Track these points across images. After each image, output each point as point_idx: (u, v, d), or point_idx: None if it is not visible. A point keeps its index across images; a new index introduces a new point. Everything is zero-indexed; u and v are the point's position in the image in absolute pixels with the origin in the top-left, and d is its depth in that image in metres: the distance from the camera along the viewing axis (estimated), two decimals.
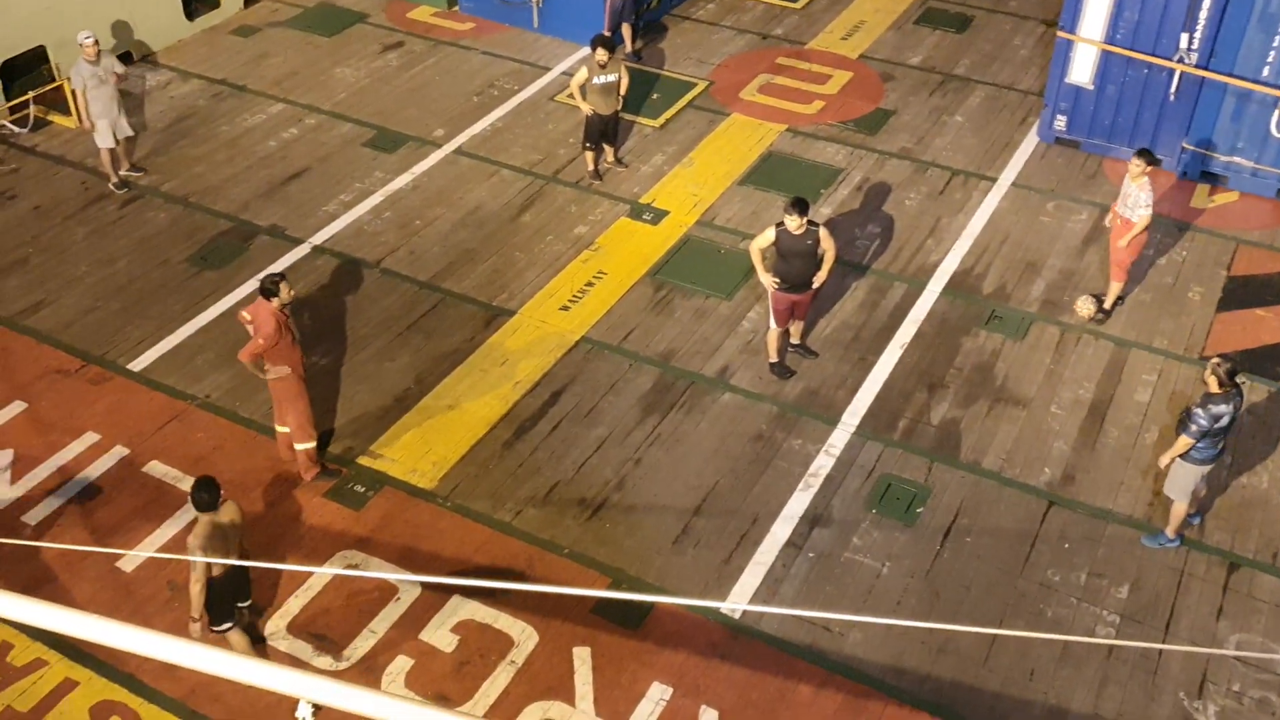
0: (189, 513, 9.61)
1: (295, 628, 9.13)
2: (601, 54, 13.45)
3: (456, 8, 18.34)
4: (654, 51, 17.24)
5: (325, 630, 9.10)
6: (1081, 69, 14.29)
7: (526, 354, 11.72)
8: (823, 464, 10.51)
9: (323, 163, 14.71)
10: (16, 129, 15.19)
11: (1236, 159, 13.82)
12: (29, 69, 15.56)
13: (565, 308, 12.32)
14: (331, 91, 16.21)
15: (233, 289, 12.56)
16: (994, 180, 14.31)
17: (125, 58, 16.38)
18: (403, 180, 14.36)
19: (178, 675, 8.48)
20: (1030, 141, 15.02)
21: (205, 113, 15.75)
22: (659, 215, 13.71)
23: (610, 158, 14.51)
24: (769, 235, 10.77)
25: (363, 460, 10.57)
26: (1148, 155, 11.23)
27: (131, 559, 9.60)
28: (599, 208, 13.88)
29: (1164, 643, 8.94)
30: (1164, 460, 9.43)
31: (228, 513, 8.26)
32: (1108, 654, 8.91)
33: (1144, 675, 8.78)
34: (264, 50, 17.29)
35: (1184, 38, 13.42)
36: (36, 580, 9.39)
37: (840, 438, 10.77)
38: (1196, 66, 13.48)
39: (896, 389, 11.30)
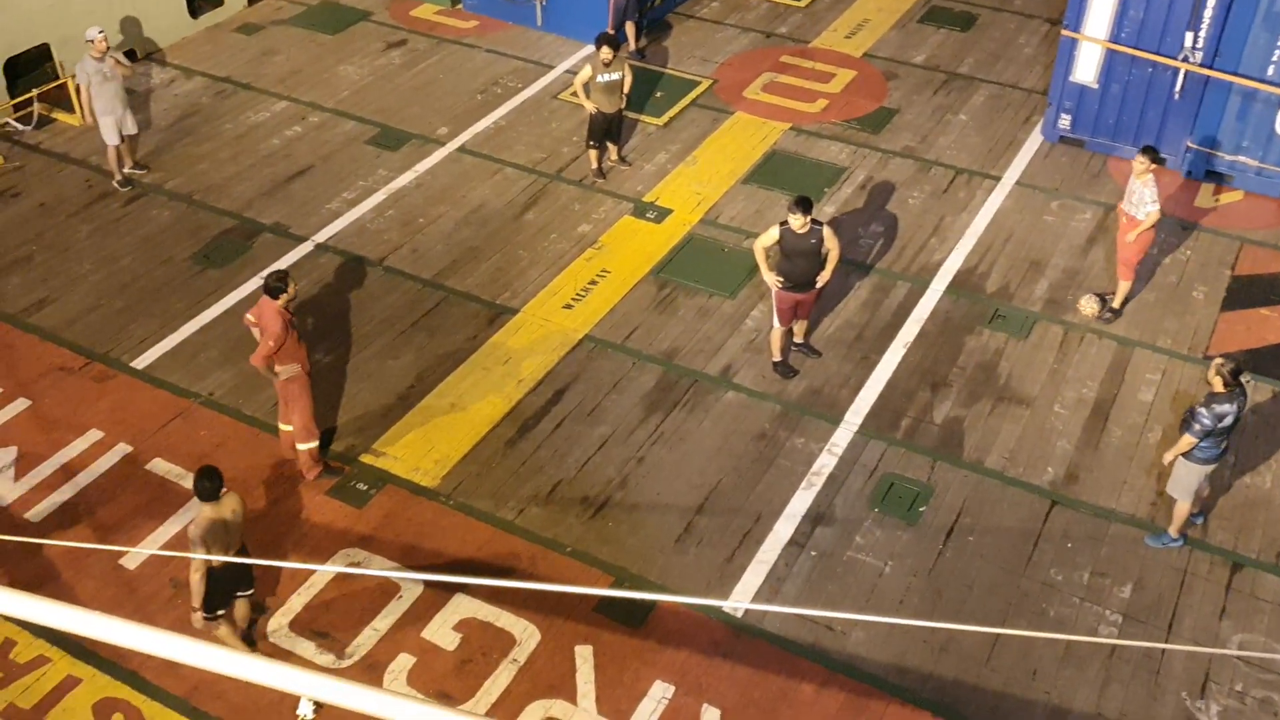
0: (191, 510, 9.64)
1: (297, 625, 9.14)
2: (606, 52, 13.44)
3: (460, 6, 18.34)
4: (658, 50, 17.23)
5: (327, 628, 9.11)
6: (1086, 68, 14.27)
7: (529, 352, 11.72)
8: (825, 463, 10.50)
9: (326, 161, 14.71)
10: (21, 126, 15.20)
11: (1241, 158, 13.80)
12: (33, 66, 15.57)
13: (568, 306, 12.32)
14: (335, 89, 16.22)
15: (236, 287, 12.57)
16: (998, 179, 14.30)
17: (129, 55, 16.40)
18: (406, 178, 14.36)
19: (180, 673, 8.49)
20: (1034, 140, 15.01)
21: (209, 110, 15.76)
22: (662, 214, 13.71)
23: (614, 156, 14.50)
24: (773, 234, 10.76)
25: (365, 458, 10.58)
26: (1152, 152, 11.22)
27: (134, 556, 9.61)
28: (602, 206, 13.88)
29: (1167, 643, 8.93)
30: (1167, 457, 9.43)
31: (229, 504, 8.27)
32: (1110, 654, 8.90)
33: (1147, 675, 8.77)
34: (267, 48, 17.30)
35: (1189, 36, 13.40)
36: (39, 578, 9.40)
37: (843, 437, 10.76)
38: (1201, 65, 13.46)
39: (899, 388, 11.29)
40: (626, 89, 13.85)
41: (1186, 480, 9.34)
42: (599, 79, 13.58)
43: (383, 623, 9.13)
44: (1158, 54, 13.68)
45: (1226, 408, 8.91)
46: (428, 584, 9.32)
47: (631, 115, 15.16)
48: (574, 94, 14.87)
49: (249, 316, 9.92)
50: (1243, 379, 9.11)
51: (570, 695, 8.63)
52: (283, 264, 12.66)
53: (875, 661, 8.86)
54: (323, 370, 11.34)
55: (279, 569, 9.40)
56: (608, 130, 14.09)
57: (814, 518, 9.99)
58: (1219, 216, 13.59)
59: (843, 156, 14.76)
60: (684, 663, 8.85)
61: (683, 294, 12.50)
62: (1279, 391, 11.18)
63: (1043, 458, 10.55)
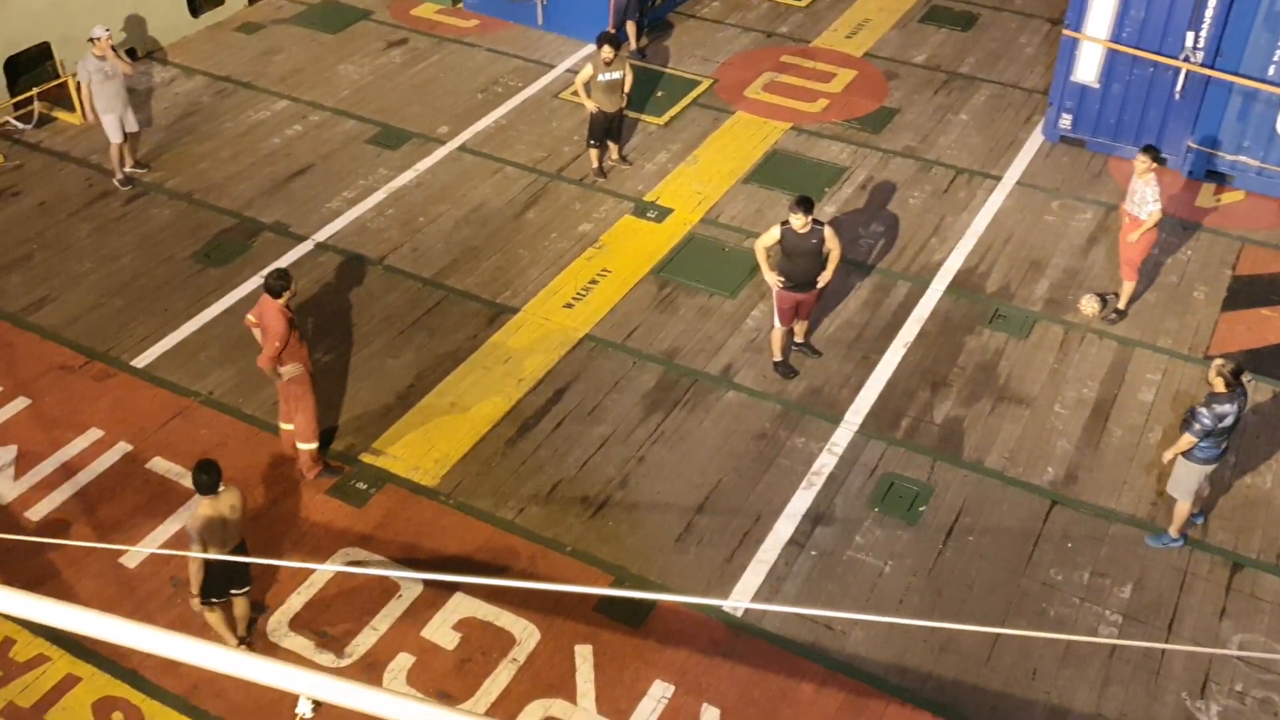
0: (192, 508, 9.62)
1: (297, 624, 9.14)
2: (607, 51, 13.43)
3: (461, 5, 18.34)
4: (659, 49, 17.23)
5: (327, 627, 9.11)
6: (1087, 67, 14.26)
7: (530, 351, 11.72)
8: (825, 462, 10.50)
9: (326, 160, 14.71)
10: (21, 125, 15.20)
11: (1242, 158, 13.79)
12: (34, 65, 15.57)
13: (569, 305, 12.31)
14: (335, 88, 16.21)
15: (236, 286, 12.57)
16: (998, 179, 14.30)
17: (130, 54, 16.40)
18: (406, 177, 14.36)
19: (180, 671, 8.49)
20: (1035, 140, 15.00)
21: (209, 109, 15.76)
22: (663, 213, 13.71)
23: (615, 155, 14.50)
24: (774, 234, 10.76)
25: (365, 458, 10.57)
26: (1153, 151, 11.21)
27: (134, 555, 9.61)
28: (603, 205, 13.87)
29: (1167, 643, 8.93)
30: (1166, 456, 9.43)
31: (228, 499, 8.28)
32: (1110, 654, 8.90)
33: (1146, 675, 8.77)
34: (268, 47, 17.29)
35: (1189, 36, 13.39)
36: (39, 576, 9.40)
37: (843, 436, 10.76)
38: (1202, 65, 13.46)
39: (900, 388, 11.29)
40: (627, 88, 13.84)
41: (1186, 480, 9.34)
42: (600, 78, 13.58)
43: (382, 622, 9.13)
44: (1159, 54, 13.67)
45: (1227, 408, 8.91)
46: (427, 583, 9.31)
47: (632, 114, 15.16)
48: (575, 93, 14.87)
49: (250, 317, 9.92)
50: (1243, 379, 9.10)
51: (570, 695, 8.62)
52: (283, 263, 12.66)
53: (875, 661, 8.86)
54: (323, 369, 11.33)
55: (279, 567, 9.39)
56: (608, 129, 14.08)
57: (814, 517, 9.99)
58: (1220, 216, 13.58)
59: (843, 156, 14.75)
60: (684, 662, 8.84)
61: (683, 293, 12.50)
62: (1279, 391, 11.18)
63: (1043, 458, 10.55)
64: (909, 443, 10.70)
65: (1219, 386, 8.94)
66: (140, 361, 11.62)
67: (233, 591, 8.67)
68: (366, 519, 9.97)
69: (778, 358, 11.40)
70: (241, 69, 16.70)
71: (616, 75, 13.61)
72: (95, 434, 10.79)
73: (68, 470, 10.43)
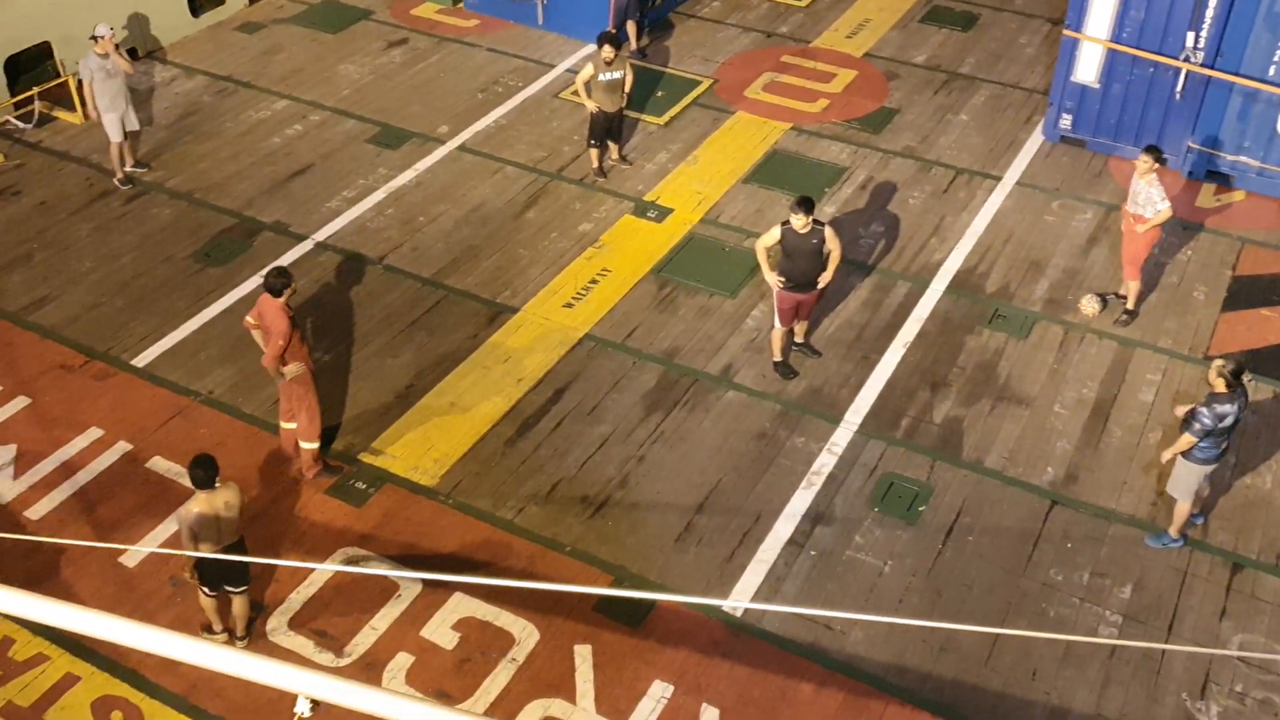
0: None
1: (296, 624, 9.14)
2: (608, 51, 13.43)
3: (461, 4, 18.34)
4: (659, 49, 17.23)
5: (326, 627, 9.11)
6: (1087, 68, 14.26)
7: (529, 351, 11.71)
8: (825, 462, 10.50)
9: (326, 159, 14.71)
10: (21, 124, 15.19)
11: (1242, 158, 13.79)
12: (34, 64, 15.57)
13: (569, 305, 12.31)
14: (336, 88, 16.21)
15: (236, 285, 12.57)
16: (998, 179, 14.29)
17: (131, 53, 16.40)
18: (406, 177, 14.36)
19: (179, 671, 8.49)
20: (1035, 140, 15.00)
21: (210, 109, 15.76)
22: (663, 213, 13.71)
23: (615, 155, 14.49)
24: (774, 234, 10.75)
25: (364, 457, 10.57)
26: (1155, 152, 11.20)
27: (133, 554, 9.60)
28: (603, 205, 13.87)
29: (1167, 643, 8.92)
30: (1165, 455, 9.43)
31: (224, 496, 8.28)
32: (1110, 654, 8.90)
33: (1146, 676, 8.77)
34: (269, 47, 17.29)
35: (1190, 36, 13.39)
36: (39, 576, 9.40)
37: (843, 436, 10.76)
38: (1202, 65, 13.45)
39: (899, 388, 11.28)
40: (628, 88, 13.84)
41: (1186, 480, 9.33)
42: (600, 78, 13.58)
43: (381, 621, 9.13)
44: (1159, 54, 13.67)
45: (1227, 408, 8.91)
46: (427, 583, 9.31)
47: (632, 114, 15.16)
48: (575, 93, 14.87)
49: (249, 319, 9.91)
50: (1244, 378, 9.10)
51: (569, 694, 8.62)
52: (283, 262, 12.65)
53: (874, 661, 8.85)
54: (322, 369, 11.32)
55: (278, 567, 9.39)
56: (609, 129, 14.08)
57: (814, 517, 9.99)
58: (1220, 217, 13.58)
59: (843, 156, 14.75)
60: (683, 662, 8.84)
61: (683, 293, 12.49)
62: (1279, 392, 11.18)
63: (1042, 458, 10.55)
64: (909, 443, 10.70)
65: (1219, 387, 8.94)
66: (140, 361, 11.62)
67: (229, 589, 8.68)
68: (366, 519, 9.97)
69: (778, 358, 11.40)
70: (242, 69, 16.70)
71: (617, 75, 13.61)
72: (95, 433, 10.79)
73: (67, 469, 10.43)
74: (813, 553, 9.70)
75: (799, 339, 11.63)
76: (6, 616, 8.64)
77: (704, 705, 8.56)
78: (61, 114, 15.44)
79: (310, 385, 10.00)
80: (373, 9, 18.27)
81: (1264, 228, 13.40)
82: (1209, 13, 13.18)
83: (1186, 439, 9.07)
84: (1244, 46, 13.13)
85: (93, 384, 11.34)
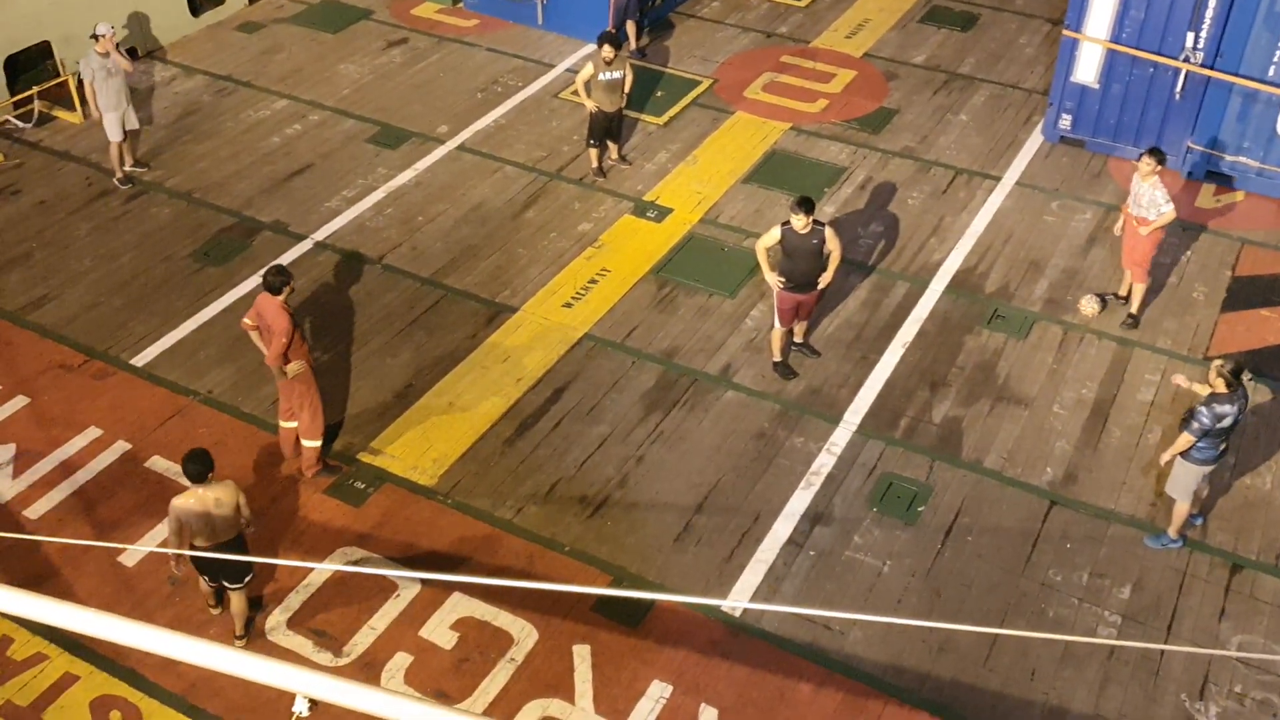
0: None
1: (295, 623, 9.14)
2: (608, 50, 13.43)
3: (461, 4, 18.34)
4: (658, 49, 17.22)
5: (325, 626, 9.11)
6: (1087, 68, 14.26)
7: (528, 351, 11.71)
8: (824, 462, 10.50)
9: (326, 159, 14.71)
10: (21, 124, 15.19)
11: (1242, 159, 13.79)
12: (34, 64, 15.57)
13: (568, 305, 12.31)
14: (335, 88, 16.21)
15: (236, 285, 12.56)
16: (998, 179, 14.29)
17: (130, 53, 16.38)
18: (405, 176, 14.36)
19: (178, 670, 8.50)
20: (1035, 140, 15.00)
21: (209, 108, 15.76)
22: (663, 213, 13.70)
23: (614, 155, 14.49)
24: (774, 234, 10.75)
25: (363, 457, 10.57)
26: (1158, 154, 11.19)
27: (132, 554, 9.60)
28: (602, 205, 13.87)
29: (1166, 644, 8.93)
30: (1164, 457, 9.43)
31: (216, 492, 8.29)
32: (1109, 654, 8.90)
33: (1145, 676, 8.77)
34: (268, 46, 17.29)
35: (1189, 37, 13.39)
36: (38, 575, 9.40)
37: (842, 436, 10.76)
38: (1202, 66, 13.45)
39: (898, 388, 11.28)
40: (627, 88, 13.84)
41: (1185, 481, 9.33)
42: (600, 77, 13.57)
43: (380, 621, 9.13)
44: (1159, 54, 13.67)
45: (1227, 408, 8.90)
46: (425, 583, 9.31)
47: (632, 114, 15.15)
48: (574, 92, 14.87)
49: (246, 321, 9.88)
50: (1244, 378, 9.08)
51: (568, 694, 8.62)
52: (282, 262, 12.64)
53: (873, 661, 8.85)
54: (321, 368, 11.31)
55: (277, 566, 9.39)
56: (608, 129, 14.08)
57: (813, 517, 9.99)
58: (1219, 217, 13.58)
59: (843, 156, 14.75)
60: (682, 662, 8.84)
61: (683, 293, 12.49)
62: (1279, 392, 11.17)
63: (1041, 458, 10.55)
64: (908, 443, 10.70)
65: (1220, 387, 8.93)
66: (139, 360, 11.62)
67: (226, 584, 8.70)
68: (365, 518, 9.97)
69: (777, 358, 11.40)
70: (242, 68, 16.70)
71: (617, 75, 13.61)
72: (94, 432, 10.78)
73: (66, 469, 10.42)
74: (812, 553, 9.70)
75: (798, 339, 11.63)
76: (5, 615, 8.63)
77: (702, 705, 8.56)
78: (61, 113, 15.44)
79: (312, 382, 10.00)
80: (372, 9, 18.27)
81: (1263, 228, 13.41)
82: (1209, 13, 13.18)
83: (1185, 439, 9.07)
84: (1244, 47, 13.14)
85: (92, 383, 11.34)
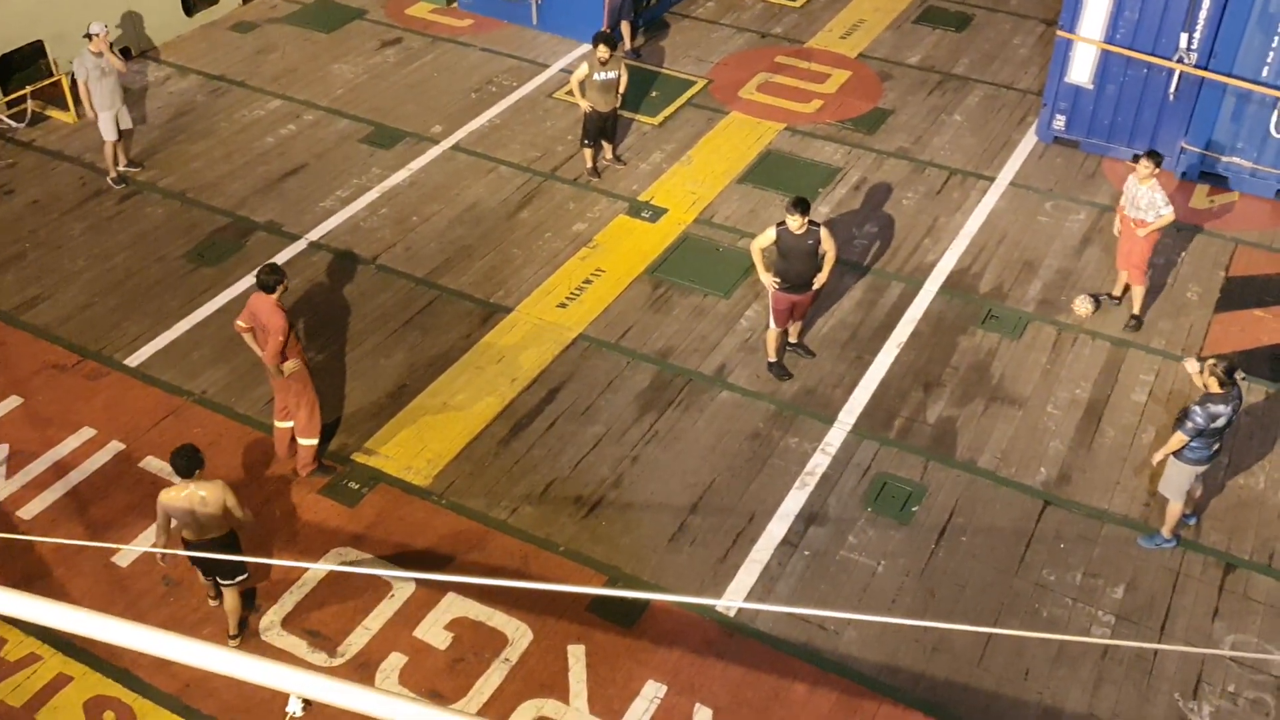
0: None
1: (289, 624, 9.13)
2: (603, 50, 13.43)
3: (455, 4, 18.32)
4: (653, 49, 17.23)
5: (319, 626, 9.10)
6: (1081, 68, 14.28)
7: (523, 351, 11.71)
8: (819, 462, 10.50)
9: (320, 159, 14.69)
10: (14, 124, 15.16)
11: (1236, 159, 13.82)
12: (27, 63, 15.53)
13: (563, 305, 12.31)
14: (329, 87, 16.19)
15: (230, 285, 12.55)
16: (992, 180, 14.31)
17: (124, 53, 16.35)
18: (400, 176, 14.35)
19: (172, 670, 8.48)
20: (1029, 141, 15.02)
21: (203, 108, 15.74)
22: (657, 213, 13.71)
23: (609, 155, 14.49)
24: (770, 235, 10.76)
25: (357, 457, 10.56)
26: (1156, 157, 11.20)
27: (126, 554, 9.59)
28: (597, 205, 13.87)
29: (1159, 643, 8.94)
30: (1157, 456, 9.44)
31: (202, 490, 8.28)
32: (1103, 654, 8.91)
33: (1139, 675, 8.78)
34: (262, 46, 17.27)
35: (1183, 37, 13.42)
36: (31, 575, 9.38)
37: (836, 436, 10.77)
38: (1196, 66, 13.48)
39: (893, 388, 11.29)
40: (622, 88, 13.84)
41: (1178, 480, 9.35)
42: (595, 77, 13.57)
43: (375, 621, 9.12)
44: (1153, 55, 13.70)
45: (1220, 408, 8.92)
46: (420, 583, 9.30)
47: (627, 114, 15.15)
48: (569, 93, 14.86)
49: (239, 322, 9.86)
50: (1237, 376, 9.09)
51: (563, 695, 8.62)
52: (276, 261, 12.61)
53: (868, 661, 8.86)
54: (315, 369, 11.27)
55: (271, 566, 9.38)
56: (603, 129, 14.08)
57: (807, 517, 10.00)
58: (1213, 218, 13.61)
59: (837, 157, 14.76)
60: (676, 662, 8.84)
61: (677, 293, 12.49)
62: (1273, 393, 11.20)
63: (1035, 458, 10.56)
64: (902, 443, 10.71)
65: (1214, 387, 8.94)
66: (133, 360, 11.60)
67: (218, 580, 8.71)
68: (359, 518, 9.96)
69: (772, 359, 11.40)
70: (235, 68, 16.67)
71: (611, 75, 13.61)
72: (87, 433, 10.76)
73: (60, 469, 10.40)
74: (806, 553, 9.70)
75: (793, 339, 11.63)
76: None
77: (697, 705, 8.56)
78: (54, 113, 15.41)
79: (308, 381, 9.99)
80: (366, 8, 18.25)
81: (1257, 229, 13.44)
82: (1202, 14, 13.20)
83: (1178, 438, 9.08)
84: (1237, 47, 13.16)
85: (85, 384, 11.32)
